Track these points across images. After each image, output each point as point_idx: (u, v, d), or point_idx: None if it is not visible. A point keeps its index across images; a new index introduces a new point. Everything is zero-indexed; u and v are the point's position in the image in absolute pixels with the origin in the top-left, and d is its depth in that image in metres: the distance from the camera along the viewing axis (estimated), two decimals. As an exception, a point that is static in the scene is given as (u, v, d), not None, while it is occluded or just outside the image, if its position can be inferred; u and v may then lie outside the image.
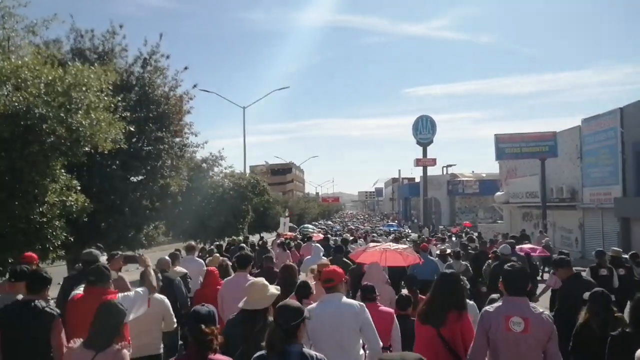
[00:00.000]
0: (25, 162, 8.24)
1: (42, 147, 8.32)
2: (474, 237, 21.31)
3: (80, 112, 8.59)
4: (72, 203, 9.57)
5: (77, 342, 3.86)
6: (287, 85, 39.11)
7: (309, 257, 12.18)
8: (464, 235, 29.44)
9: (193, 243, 12.01)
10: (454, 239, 25.15)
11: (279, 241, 17.37)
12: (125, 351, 3.82)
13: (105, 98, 9.48)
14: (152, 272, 5.25)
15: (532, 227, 36.77)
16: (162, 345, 5.89)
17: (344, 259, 10.50)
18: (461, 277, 5.79)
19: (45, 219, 8.92)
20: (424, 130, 61.15)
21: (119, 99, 10.19)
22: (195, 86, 15.50)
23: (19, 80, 8.01)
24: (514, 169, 39.02)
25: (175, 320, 5.89)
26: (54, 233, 9.18)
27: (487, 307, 4.48)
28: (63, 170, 9.56)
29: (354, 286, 8.28)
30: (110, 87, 9.67)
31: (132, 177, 13.80)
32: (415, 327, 4.98)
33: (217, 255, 10.82)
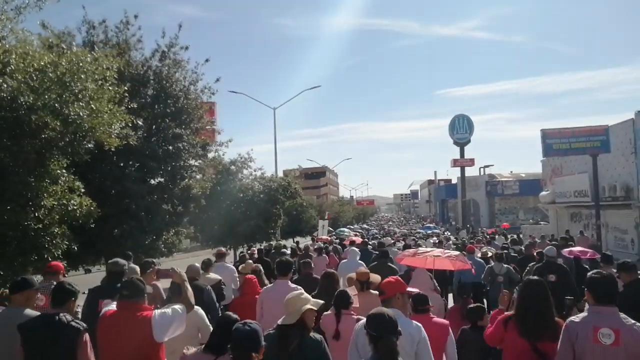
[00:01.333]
0: (13, 160, 7.13)
1: (33, 142, 7.21)
2: (517, 239, 20.62)
3: (77, 102, 7.43)
4: (76, 207, 8.44)
5: (191, 349, 3.93)
6: (318, 85, 37.93)
7: (345, 260, 11.76)
8: (499, 237, 28.42)
9: (223, 249, 11.83)
10: (496, 241, 23.77)
11: (315, 246, 16.99)
12: None
13: (110, 88, 8.37)
14: (189, 288, 4.67)
15: (582, 227, 34.59)
16: None
17: (390, 265, 9.63)
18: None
19: (41, 225, 7.80)
20: (461, 129, 59.44)
21: (126, 88, 9.06)
22: (218, 80, 14.34)
23: (3, 66, 6.90)
24: (560, 167, 36.84)
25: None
26: (54, 241, 8.08)
27: (572, 317, 4.12)
28: (64, 171, 8.45)
29: None
30: (115, 75, 8.55)
31: (150, 180, 12.70)
32: (499, 338, 4.59)
33: (250, 261, 10.49)
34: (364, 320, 4.11)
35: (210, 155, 14.69)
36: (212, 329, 5.11)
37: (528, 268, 10.14)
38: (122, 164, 11.72)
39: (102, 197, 10.95)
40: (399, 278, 4.75)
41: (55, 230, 8.10)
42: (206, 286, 7.07)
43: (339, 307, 5.22)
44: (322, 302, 4.38)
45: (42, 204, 7.81)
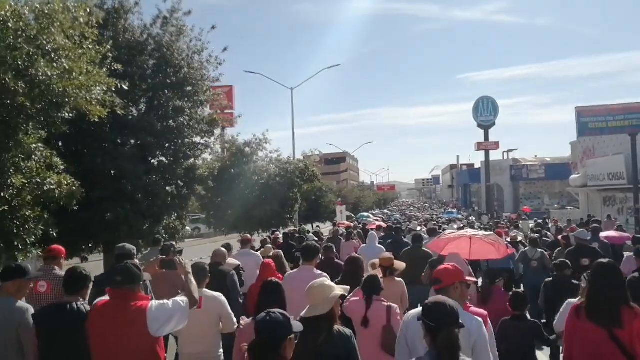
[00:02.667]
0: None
1: (-8, 108, 6.02)
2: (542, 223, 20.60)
3: (45, 60, 6.22)
4: (53, 186, 7.25)
5: (245, 319, 4.37)
6: (338, 64, 36.37)
7: (363, 245, 11.75)
8: (524, 221, 28.28)
9: (248, 235, 11.84)
10: (521, 226, 23.39)
11: (342, 231, 16.58)
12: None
13: (90, 47, 7.14)
14: (194, 282, 4.16)
15: (616, 212, 32.83)
16: (221, 351, 5.14)
17: (425, 249, 9.30)
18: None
19: (7, 207, 6.64)
20: (485, 112, 57.72)
21: (109, 47, 7.84)
22: (225, 49, 12.86)
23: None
24: (592, 148, 34.97)
25: (235, 320, 4.95)
26: (26, 226, 6.92)
27: None
28: (40, 145, 7.27)
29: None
30: (95, 32, 7.32)
31: (150, 159, 11.49)
32: (572, 328, 4.22)
33: (270, 246, 10.45)
34: (415, 310, 4.01)
35: (217, 131, 13.24)
36: (233, 316, 4.99)
37: (557, 252, 10.03)
38: (118, 141, 10.51)
39: (95, 178, 9.82)
40: (457, 265, 4.31)
41: (28, 213, 6.94)
42: (230, 271, 6.87)
43: (370, 292, 4.95)
44: (348, 287, 4.07)
45: (10, 182, 6.63)
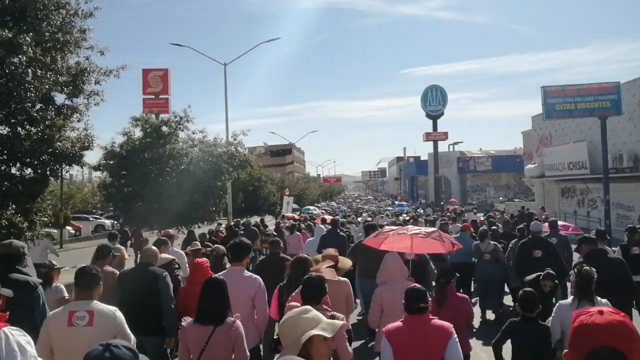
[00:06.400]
0: None
1: None
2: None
3: None
4: None
5: (187, 319, 4.10)
6: (277, 37, 32.89)
7: (310, 239, 12.02)
8: (469, 214, 28.24)
9: (170, 231, 11.32)
10: (464, 218, 22.11)
11: (287, 223, 16.18)
12: (239, 322, 4.03)
13: None
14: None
15: (575, 204, 30.87)
16: None
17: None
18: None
19: None
20: (434, 101, 55.65)
21: None
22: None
23: None
24: (549, 136, 32.90)
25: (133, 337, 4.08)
26: None
27: None
28: None
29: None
30: None
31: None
32: None
33: (197, 242, 9.87)
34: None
35: (90, 87, 9.23)
36: (132, 336, 4.09)
37: (512, 244, 9.97)
38: None
39: None
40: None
41: None
42: (162, 272, 5.86)
43: (309, 300, 4.00)
44: (341, 323, 2.80)
45: None
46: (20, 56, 7.27)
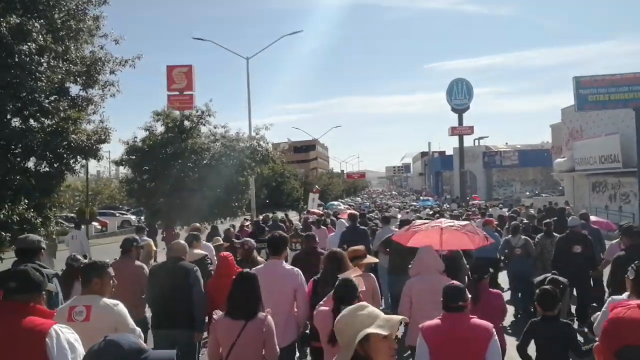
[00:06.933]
0: None
1: None
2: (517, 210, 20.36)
3: None
4: None
5: (219, 312, 4.14)
6: (300, 30, 32.28)
7: (332, 234, 12.15)
8: (495, 208, 27.43)
9: (198, 224, 11.57)
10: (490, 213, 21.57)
11: (312, 218, 15.54)
12: (270, 318, 4.04)
13: None
14: None
15: (607, 199, 29.99)
16: None
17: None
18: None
19: None
20: (460, 94, 55.07)
21: None
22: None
23: None
24: (580, 129, 32.03)
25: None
26: None
27: None
28: None
29: None
30: None
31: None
32: None
33: (218, 238, 10.20)
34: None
35: (105, 77, 8.92)
36: (136, 329, 4.14)
37: (538, 239, 10.03)
38: None
39: None
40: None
41: None
42: (193, 266, 5.82)
43: (340, 301, 3.74)
44: (400, 317, 2.49)
45: None
46: (30, 44, 7.08)
